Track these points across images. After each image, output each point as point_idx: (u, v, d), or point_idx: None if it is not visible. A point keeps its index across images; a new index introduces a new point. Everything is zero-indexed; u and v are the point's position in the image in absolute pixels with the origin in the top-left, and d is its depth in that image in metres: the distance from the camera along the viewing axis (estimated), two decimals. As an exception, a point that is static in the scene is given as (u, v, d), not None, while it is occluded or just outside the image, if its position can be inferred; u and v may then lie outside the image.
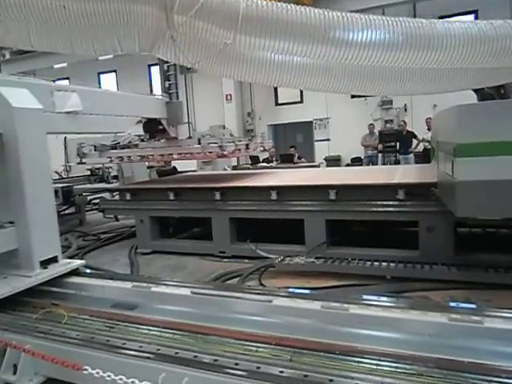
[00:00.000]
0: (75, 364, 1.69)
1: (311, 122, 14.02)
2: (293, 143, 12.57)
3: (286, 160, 10.65)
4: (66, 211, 6.71)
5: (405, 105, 12.68)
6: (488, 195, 2.32)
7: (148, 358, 1.77)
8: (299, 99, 14.09)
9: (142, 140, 5.57)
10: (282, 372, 1.62)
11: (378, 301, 2.20)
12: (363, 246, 3.69)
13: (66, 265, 2.88)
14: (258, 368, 1.66)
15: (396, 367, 1.68)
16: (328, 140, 13.79)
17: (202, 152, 4.77)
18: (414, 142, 10.60)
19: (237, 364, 1.68)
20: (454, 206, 2.51)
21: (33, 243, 2.71)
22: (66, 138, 8.66)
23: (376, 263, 3.34)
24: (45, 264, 2.76)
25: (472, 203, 2.40)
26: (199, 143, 4.87)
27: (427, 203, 3.36)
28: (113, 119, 4.75)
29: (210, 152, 4.69)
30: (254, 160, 10.96)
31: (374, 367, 1.68)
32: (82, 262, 3.04)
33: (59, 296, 2.64)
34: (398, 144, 10.80)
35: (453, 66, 2.02)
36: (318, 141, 14.03)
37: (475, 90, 3.31)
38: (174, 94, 5.90)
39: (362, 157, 11.81)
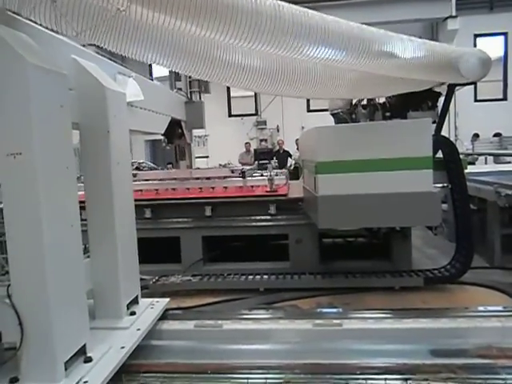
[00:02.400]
0: None
1: (190, 138, 14.05)
2: (170, 160, 12.39)
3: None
4: None
5: (277, 126, 13.57)
6: (343, 208, 2.57)
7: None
8: (178, 116, 14.02)
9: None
10: (149, 401, 1.53)
11: (249, 314, 2.25)
12: (239, 261, 3.76)
13: (150, 307, 2.23)
14: (124, 400, 1.53)
15: (265, 378, 1.73)
16: (207, 157, 13.96)
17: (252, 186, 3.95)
18: (289, 160, 11.40)
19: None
20: (316, 218, 2.72)
21: (120, 281, 2.01)
22: None
23: (250, 277, 3.42)
24: (129, 308, 2.09)
25: (331, 216, 2.64)
26: (243, 177, 3.99)
27: (295, 217, 3.59)
28: (157, 117, 3.78)
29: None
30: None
31: (245, 381, 1.71)
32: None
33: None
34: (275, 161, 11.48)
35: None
36: (197, 157, 14.10)
37: (332, 114, 3.70)
38: (195, 92, 5.10)
39: (240, 174, 12.24)
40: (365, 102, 3.48)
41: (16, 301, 1.47)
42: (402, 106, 3.18)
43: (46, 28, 1.77)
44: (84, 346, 1.65)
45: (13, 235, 1.47)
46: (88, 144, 2.00)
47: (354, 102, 3.51)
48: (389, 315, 2.22)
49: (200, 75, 2.28)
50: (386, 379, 1.70)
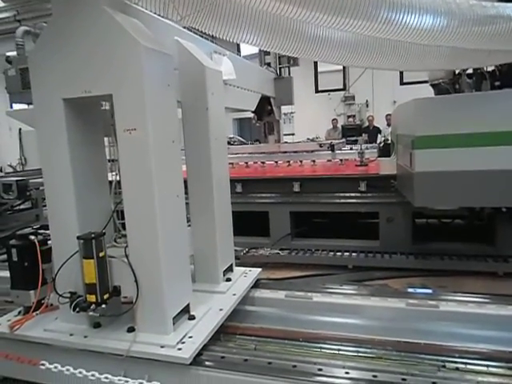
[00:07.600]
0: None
1: (276, 116, 14.07)
2: (257, 137, 12.58)
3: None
4: (21, 206, 6.39)
5: (366, 101, 12.98)
6: (443, 185, 2.42)
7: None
8: (264, 93, 14.10)
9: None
10: (246, 360, 1.64)
11: (340, 289, 2.25)
12: (326, 237, 3.76)
13: (244, 275, 2.35)
14: (223, 358, 1.66)
15: (357, 351, 1.74)
16: (293, 135, 13.91)
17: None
18: (379, 136, 10.90)
19: (201, 354, 1.67)
20: (412, 196, 2.60)
21: (218, 249, 2.16)
22: (20, 129, 8.21)
23: (338, 253, 3.42)
24: (225, 274, 2.25)
25: (429, 193, 2.50)
26: (332, 150, 4.22)
27: (387, 195, 3.47)
28: (248, 94, 3.90)
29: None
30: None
31: (336, 352, 1.73)
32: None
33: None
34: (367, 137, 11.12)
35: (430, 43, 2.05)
36: (284, 135, 14.12)
37: (432, 85, 3.44)
38: (284, 68, 5.21)
39: (326, 151, 12.03)
40: (470, 71, 3.17)
41: (132, 260, 1.66)
42: (516, 73, 2.85)
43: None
44: (188, 305, 1.81)
45: (129, 203, 1.65)
46: (189, 120, 2.12)
47: (457, 71, 3.23)
48: (491, 300, 2.07)
49: (294, 52, 2.28)
50: (488, 366, 1.60)
